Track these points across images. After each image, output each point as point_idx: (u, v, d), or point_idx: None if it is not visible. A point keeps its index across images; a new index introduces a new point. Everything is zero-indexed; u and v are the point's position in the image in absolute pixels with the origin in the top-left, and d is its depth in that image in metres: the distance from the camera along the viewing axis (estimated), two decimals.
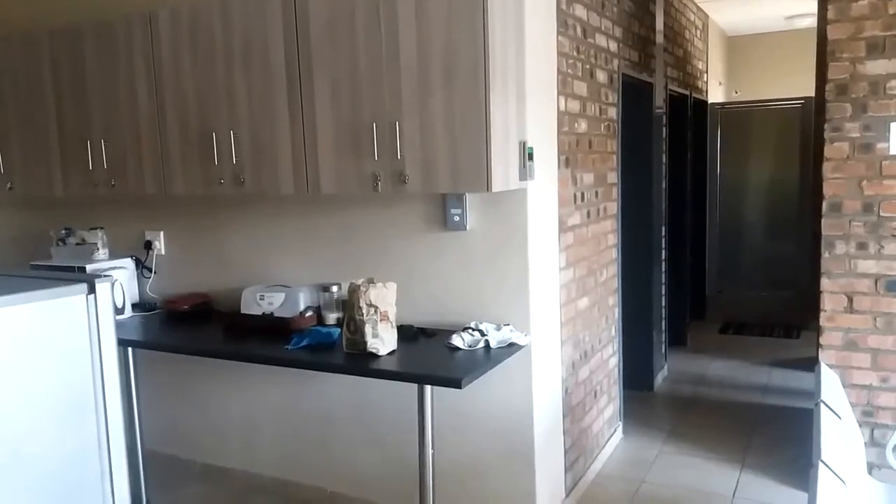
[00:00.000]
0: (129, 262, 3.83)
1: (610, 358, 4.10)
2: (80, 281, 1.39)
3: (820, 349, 3.48)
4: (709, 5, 6.70)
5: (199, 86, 3.17)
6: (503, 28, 2.66)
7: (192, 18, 3.15)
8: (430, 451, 2.58)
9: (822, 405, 2.14)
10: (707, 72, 7.01)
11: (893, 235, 3.30)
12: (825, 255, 3.42)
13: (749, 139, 7.23)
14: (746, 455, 3.97)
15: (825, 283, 3.43)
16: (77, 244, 3.92)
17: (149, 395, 3.71)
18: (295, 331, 3.00)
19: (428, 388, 2.54)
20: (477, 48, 2.55)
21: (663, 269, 5.23)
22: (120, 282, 3.61)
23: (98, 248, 3.87)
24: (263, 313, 3.29)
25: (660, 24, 4.93)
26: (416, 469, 2.63)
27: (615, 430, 4.19)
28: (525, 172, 2.83)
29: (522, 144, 2.82)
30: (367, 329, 2.69)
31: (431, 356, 2.79)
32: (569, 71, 3.33)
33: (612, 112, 3.97)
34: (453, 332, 2.87)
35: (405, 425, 3.13)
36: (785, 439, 4.13)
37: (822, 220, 3.42)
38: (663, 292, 5.24)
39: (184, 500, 3.71)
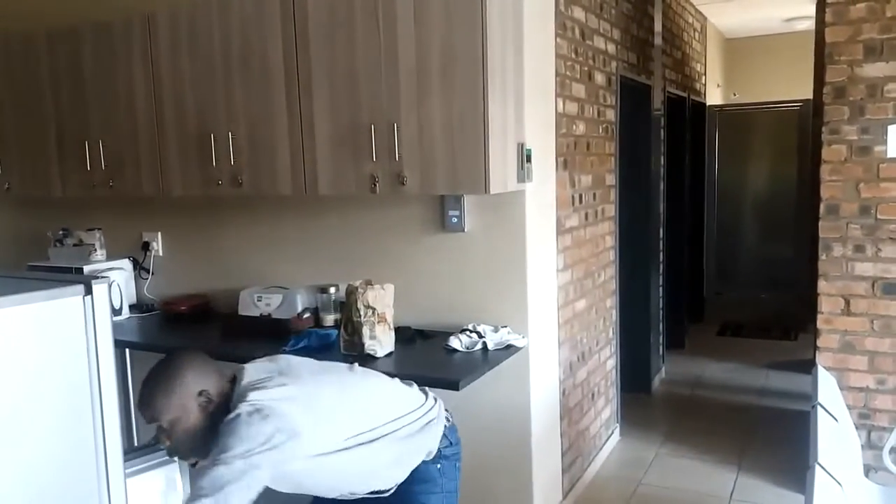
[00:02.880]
0: (126, 263, 3.82)
1: (607, 360, 4.10)
2: (78, 282, 1.38)
3: (817, 351, 3.48)
4: (707, 7, 6.71)
5: (197, 87, 3.17)
6: (501, 30, 2.66)
7: (190, 19, 3.14)
8: None
9: (818, 408, 2.15)
10: (705, 74, 7.02)
11: (891, 238, 3.30)
12: (822, 257, 3.42)
13: (747, 141, 7.24)
14: (743, 457, 3.97)
15: (822, 285, 3.44)
16: (74, 245, 3.92)
17: None
18: (293, 332, 2.99)
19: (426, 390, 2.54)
20: (475, 50, 2.55)
21: (661, 271, 5.24)
22: (117, 283, 3.61)
23: (95, 249, 3.87)
24: (261, 315, 3.29)
25: (658, 26, 4.93)
26: None
27: (612, 432, 4.19)
28: (523, 174, 2.83)
29: (520, 146, 2.82)
30: (365, 331, 2.69)
31: (429, 358, 2.78)
32: (567, 73, 3.33)
33: (611, 114, 3.97)
34: (451, 333, 2.87)
35: None
36: (782, 441, 4.13)
37: (820, 223, 3.42)
38: (661, 294, 5.25)
39: None
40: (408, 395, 2.12)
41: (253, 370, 1.91)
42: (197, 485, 1.70)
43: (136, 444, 3.35)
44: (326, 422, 1.85)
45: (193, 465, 1.91)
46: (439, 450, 2.07)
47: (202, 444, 1.82)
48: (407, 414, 2.03)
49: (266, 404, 1.77)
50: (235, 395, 1.83)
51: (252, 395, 1.79)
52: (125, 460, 1.47)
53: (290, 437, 1.75)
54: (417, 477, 2.03)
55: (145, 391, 1.82)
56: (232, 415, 1.75)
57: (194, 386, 1.82)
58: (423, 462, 2.04)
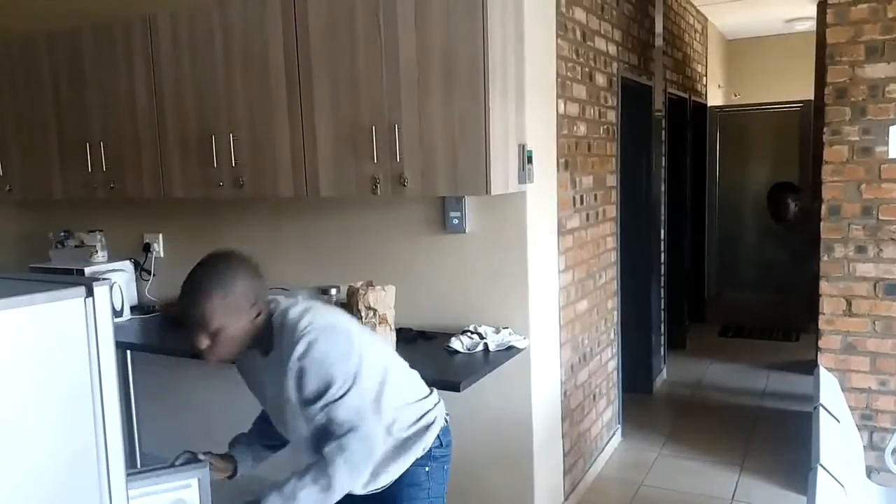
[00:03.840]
0: (127, 265, 3.83)
1: (609, 361, 4.09)
2: (79, 284, 1.38)
3: (819, 352, 3.47)
4: (708, 8, 6.71)
5: (198, 88, 3.17)
6: (503, 31, 2.66)
7: (191, 21, 3.15)
8: None
9: (820, 409, 2.14)
10: (706, 75, 7.02)
11: (892, 239, 3.30)
12: (824, 258, 3.42)
13: (748, 142, 7.23)
14: (745, 458, 3.97)
15: (824, 286, 3.43)
16: (76, 246, 3.92)
17: (147, 398, 3.71)
18: None
19: None
20: (476, 51, 2.55)
21: (662, 272, 5.23)
22: (119, 284, 3.61)
23: (97, 251, 3.87)
24: None
25: (659, 27, 4.93)
26: None
27: (614, 433, 4.18)
28: (524, 175, 2.83)
29: (522, 147, 2.82)
30: None
31: (430, 359, 2.78)
32: (568, 74, 3.33)
33: (612, 115, 3.97)
34: (452, 335, 2.87)
35: None
36: (784, 443, 4.12)
37: (822, 224, 3.42)
38: (662, 295, 5.24)
39: None
40: (420, 381, 2.08)
41: (285, 301, 1.89)
42: (335, 425, 1.72)
43: (138, 445, 3.35)
44: (369, 346, 1.88)
45: (230, 477, 1.96)
46: (430, 450, 1.98)
47: (242, 352, 1.80)
48: (421, 399, 1.99)
49: (327, 323, 1.78)
50: (288, 320, 1.79)
51: (306, 320, 1.77)
52: (129, 480, 1.45)
53: (358, 352, 1.78)
54: (404, 480, 1.96)
55: (199, 289, 1.75)
56: (302, 346, 1.73)
57: (250, 293, 1.78)
58: (412, 467, 1.96)
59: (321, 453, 1.76)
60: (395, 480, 1.95)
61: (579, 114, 3.49)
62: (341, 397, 1.74)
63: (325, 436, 1.77)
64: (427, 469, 1.97)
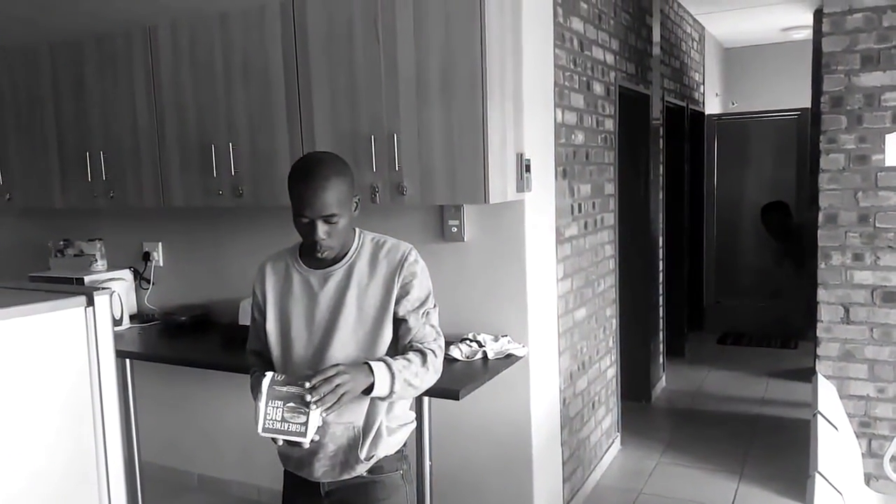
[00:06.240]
0: (127, 274, 3.83)
1: (608, 369, 4.10)
2: (79, 293, 1.39)
3: (817, 360, 3.48)
4: (705, 17, 6.74)
5: (198, 98, 3.18)
6: (500, 40, 2.68)
7: (191, 31, 3.16)
8: (428, 463, 2.58)
9: (819, 416, 2.15)
10: (704, 83, 7.04)
11: (889, 247, 3.31)
12: (822, 265, 3.43)
13: (746, 150, 7.26)
14: (744, 466, 3.97)
15: (822, 293, 3.44)
16: (75, 255, 3.93)
17: (146, 407, 3.70)
18: None
19: (426, 399, 2.54)
20: (474, 60, 2.57)
21: (661, 280, 5.24)
22: (118, 293, 3.61)
23: (96, 260, 3.88)
24: None
25: (656, 36, 4.96)
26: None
27: (613, 441, 4.18)
28: (522, 184, 2.84)
29: (520, 156, 2.83)
30: None
31: None
32: (566, 83, 3.35)
33: (609, 124, 3.99)
34: (451, 343, 2.87)
35: None
36: (783, 450, 4.12)
37: (819, 232, 3.43)
38: (661, 303, 5.25)
39: None
40: None
41: None
42: (432, 330, 1.91)
43: (136, 453, 3.34)
44: None
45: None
46: (402, 450, 1.96)
47: (339, 248, 1.90)
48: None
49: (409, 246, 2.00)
50: (382, 237, 1.97)
51: (389, 239, 1.98)
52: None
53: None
54: (387, 489, 1.91)
55: (329, 172, 1.84)
56: (413, 254, 1.94)
57: (353, 181, 1.91)
58: (388, 471, 1.92)
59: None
60: (376, 490, 1.91)
61: (577, 122, 3.50)
62: (434, 307, 1.94)
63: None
64: (401, 473, 1.96)
